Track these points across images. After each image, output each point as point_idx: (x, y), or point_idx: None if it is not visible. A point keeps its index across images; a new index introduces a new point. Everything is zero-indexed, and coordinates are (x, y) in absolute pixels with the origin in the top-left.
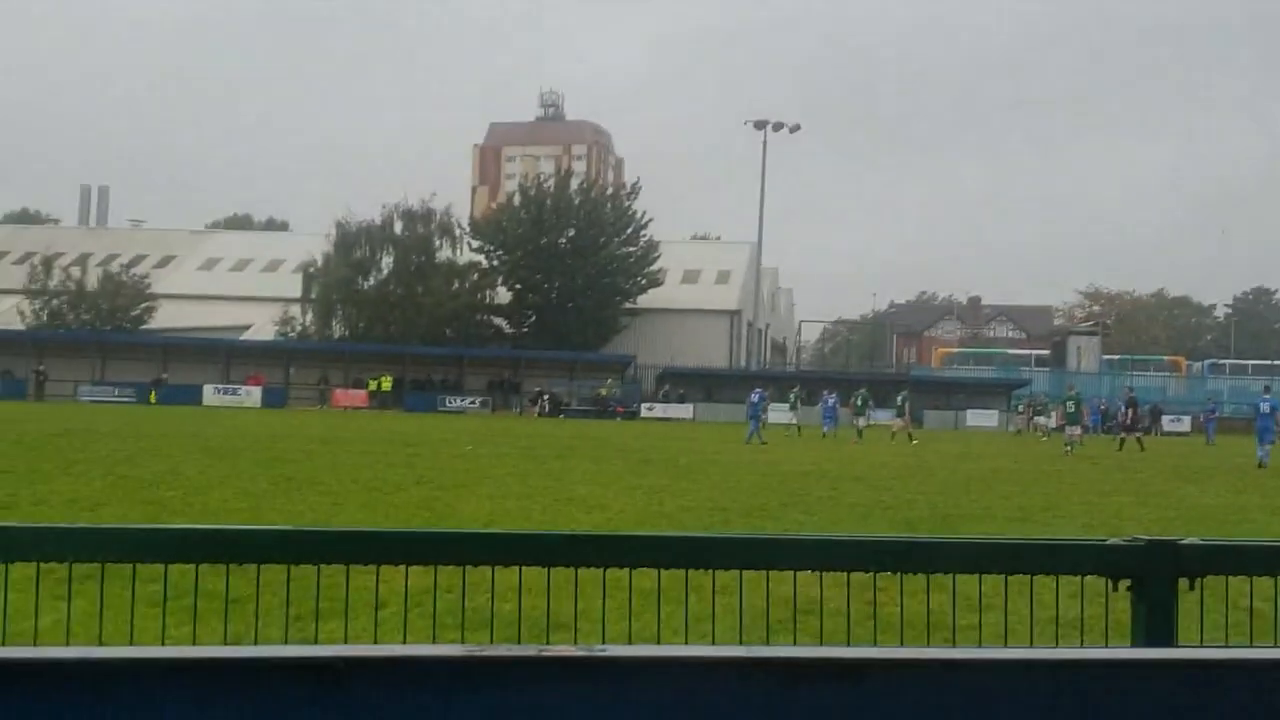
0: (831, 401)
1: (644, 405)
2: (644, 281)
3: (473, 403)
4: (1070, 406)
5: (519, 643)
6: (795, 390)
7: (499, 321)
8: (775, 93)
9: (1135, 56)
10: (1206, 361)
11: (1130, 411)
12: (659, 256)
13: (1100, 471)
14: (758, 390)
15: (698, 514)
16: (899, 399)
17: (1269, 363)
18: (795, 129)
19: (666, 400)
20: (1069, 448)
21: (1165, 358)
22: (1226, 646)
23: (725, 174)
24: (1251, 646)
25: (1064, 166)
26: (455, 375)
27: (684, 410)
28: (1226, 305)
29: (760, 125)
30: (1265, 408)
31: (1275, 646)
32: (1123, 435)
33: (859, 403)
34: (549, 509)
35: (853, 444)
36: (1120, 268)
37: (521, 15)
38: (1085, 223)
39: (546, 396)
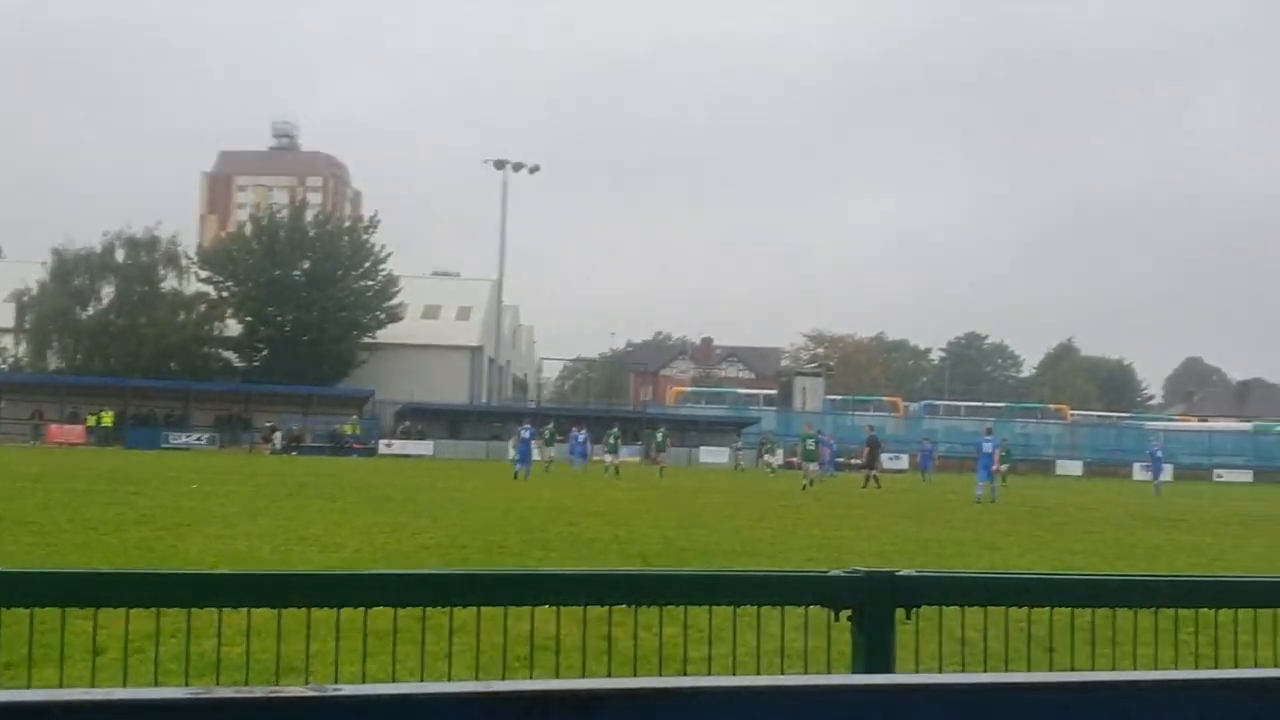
0: (582, 438)
1: (383, 442)
2: (383, 316)
3: (200, 439)
4: (810, 445)
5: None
6: (549, 427)
7: (228, 354)
8: (520, 134)
9: (859, 115)
10: (923, 402)
11: (869, 450)
12: (399, 291)
13: (824, 507)
14: (527, 426)
15: (436, 551)
16: (658, 436)
17: (980, 404)
18: (535, 169)
19: (406, 437)
20: (807, 484)
21: (884, 398)
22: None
23: (469, 212)
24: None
25: (793, 216)
26: (181, 410)
27: (424, 447)
28: (941, 349)
29: (500, 165)
30: (987, 447)
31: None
32: (865, 473)
33: (611, 440)
34: (280, 549)
35: (608, 478)
36: (843, 313)
37: (255, 43)
38: (811, 269)
39: (279, 433)
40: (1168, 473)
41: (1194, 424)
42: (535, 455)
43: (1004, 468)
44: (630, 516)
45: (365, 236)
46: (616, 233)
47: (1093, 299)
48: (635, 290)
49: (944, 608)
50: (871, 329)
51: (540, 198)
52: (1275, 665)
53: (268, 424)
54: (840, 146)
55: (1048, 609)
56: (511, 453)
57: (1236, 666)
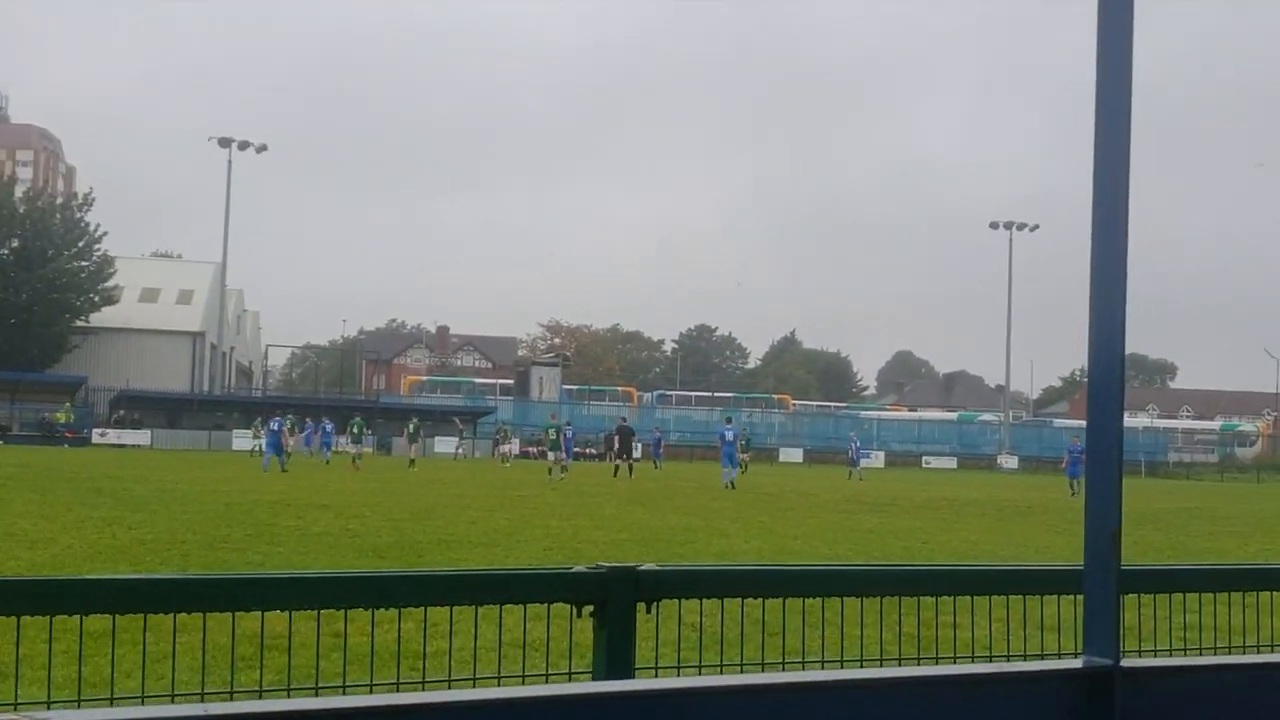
0: (330, 428)
1: (96, 431)
2: (97, 298)
3: None
4: (552, 434)
5: None
6: (291, 417)
7: None
8: (251, 115)
9: (608, 108)
10: (656, 392)
11: (619, 439)
12: (115, 273)
13: (561, 497)
14: (277, 418)
15: (154, 547)
16: (410, 426)
17: (710, 394)
18: (262, 149)
19: (122, 425)
20: (553, 473)
21: (619, 388)
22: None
23: (194, 194)
24: (700, 671)
25: (535, 208)
26: None
27: (142, 436)
28: (673, 340)
29: (225, 143)
30: (729, 435)
31: (719, 671)
32: (616, 462)
33: (355, 430)
34: None
35: (354, 468)
36: (581, 305)
37: None
38: (551, 261)
39: None
40: (879, 459)
41: (905, 413)
42: (301, 446)
43: (746, 455)
44: (362, 509)
45: (79, 214)
46: (351, 219)
47: (815, 294)
48: (368, 278)
49: (684, 600)
50: (608, 321)
51: (271, 181)
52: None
53: None
54: (589, 139)
55: (780, 599)
56: (253, 444)
57: (952, 651)
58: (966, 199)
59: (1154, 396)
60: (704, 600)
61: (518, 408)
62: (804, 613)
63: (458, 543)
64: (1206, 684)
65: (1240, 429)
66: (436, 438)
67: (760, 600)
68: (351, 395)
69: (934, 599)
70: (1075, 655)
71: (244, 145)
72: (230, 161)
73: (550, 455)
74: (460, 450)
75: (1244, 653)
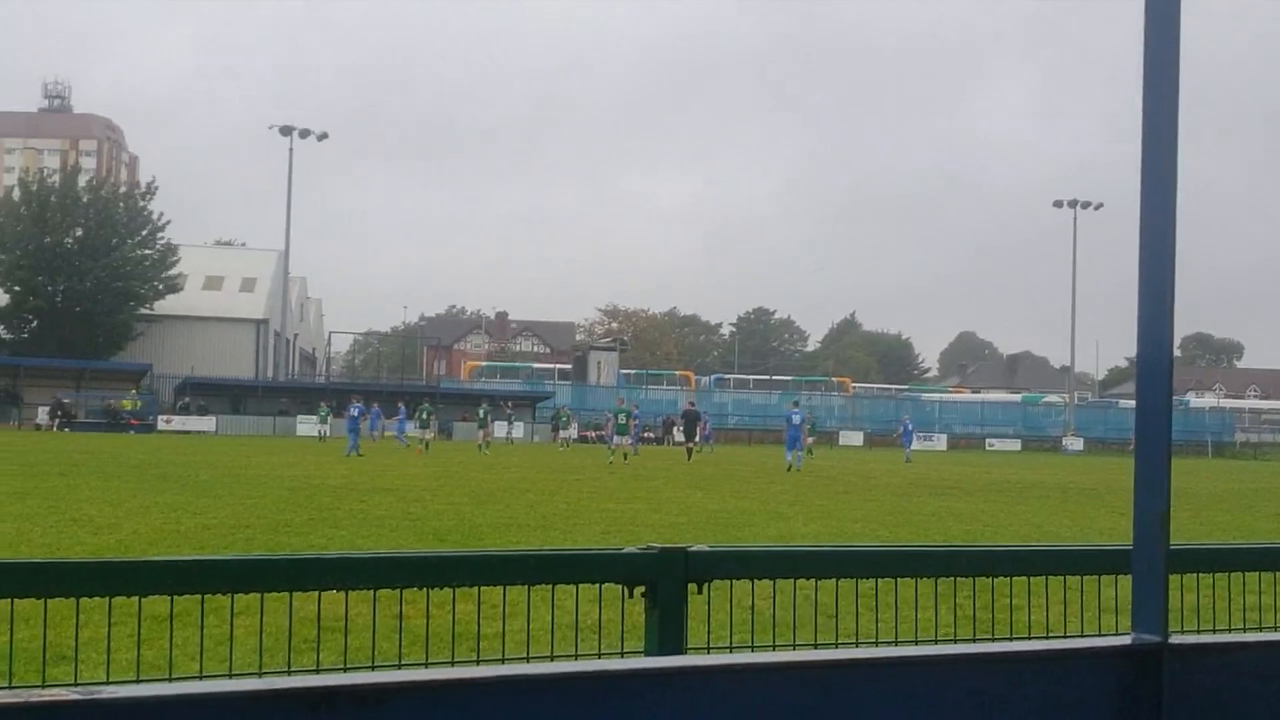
0: (404, 414)
1: (161, 418)
2: (161, 286)
3: None
4: (622, 419)
5: (11, 680)
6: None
7: None
8: (311, 102)
9: (665, 93)
10: (713, 376)
11: (683, 422)
12: (178, 261)
13: (618, 480)
14: (356, 405)
15: (219, 532)
16: (481, 412)
17: (767, 377)
18: (323, 136)
19: (186, 412)
20: (615, 457)
21: (677, 372)
22: (730, 652)
23: (255, 180)
24: (752, 650)
25: (593, 193)
26: None
27: (206, 423)
28: (731, 324)
29: (286, 131)
30: (796, 419)
31: (772, 648)
32: (690, 445)
33: (424, 416)
34: (51, 531)
35: (419, 453)
36: (637, 288)
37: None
38: (608, 245)
39: (50, 408)
40: (941, 442)
41: (967, 395)
42: (366, 432)
43: (811, 439)
44: (422, 493)
45: (142, 203)
46: (411, 207)
47: (875, 277)
48: (429, 264)
49: (734, 581)
50: (664, 304)
51: (332, 168)
52: (1039, 630)
53: (63, 398)
54: (645, 122)
55: (833, 580)
56: (319, 430)
57: (1009, 633)
58: (1029, 177)
59: (1220, 376)
60: (755, 581)
61: (576, 392)
62: (857, 594)
63: (516, 526)
64: (1255, 661)
65: None
66: (496, 422)
67: (812, 581)
68: (413, 381)
69: (990, 580)
70: (1125, 634)
71: (305, 133)
72: (291, 150)
73: (615, 440)
74: (511, 434)
75: None
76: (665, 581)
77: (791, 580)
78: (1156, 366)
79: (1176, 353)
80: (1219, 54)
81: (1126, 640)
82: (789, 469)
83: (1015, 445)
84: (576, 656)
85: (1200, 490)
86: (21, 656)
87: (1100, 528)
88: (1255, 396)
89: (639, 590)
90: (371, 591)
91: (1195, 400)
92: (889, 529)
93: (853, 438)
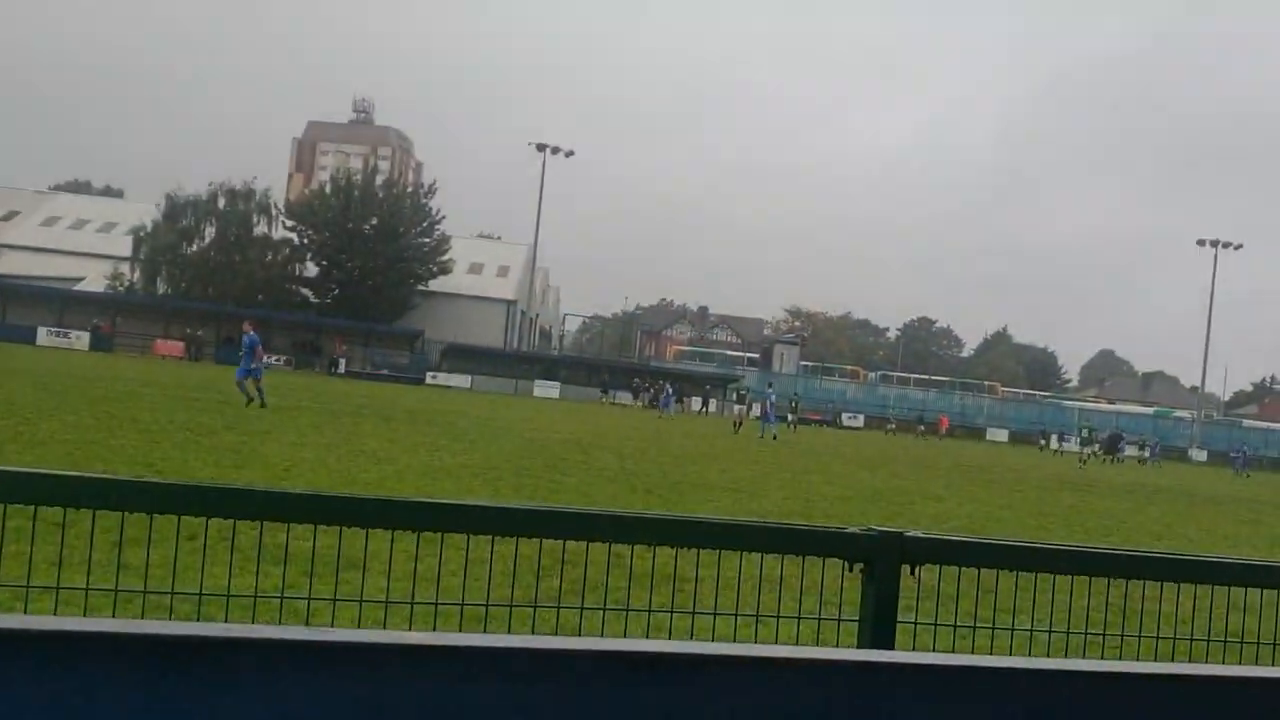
0: (672, 389)
1: (429, 374)
2: (435, 269)
3: (278, 360)
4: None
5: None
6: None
7: (306, 291)
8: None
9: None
10: (879, 372)
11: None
12: (449, 249)
13: (795, 455)
14: (770, 390)
15: (475, 470)
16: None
17: (927, 377)
18: (570, 154)
19: (450, 371)
20: (764, 434)
21: (848, 367)
22: (937, 632)
23: (512, 183)
24: (955, 631)
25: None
26: (264, 335)
27: (463, 380)
28: (897, 329)
29: (541, 148)
30: (772, 398)
31: (972, 630)
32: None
33: (670, 391)
34: (344, 459)
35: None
36: (816, 290)
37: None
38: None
39: (343, 359)
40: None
41: (1104, 405)
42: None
43: (793, 417)
44: (634, 452)
45: (424, 201)
46: (634, 209)
47: (1026, 292)
48: (646, 261)
49: (943, 566)
50: (841, 308)
51: (575, 180)
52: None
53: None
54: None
55: (1032, 574)
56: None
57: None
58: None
59: None
60: (963, 569)
61: (762, 378)
62: (1072, 591)
63: (710, 486)
64: None
65: None
66: (694, 398)
67: (1014, 573)
68: (628, 359)
69: (1209, 587)
70: None
71: (555, 150)
72: (544, 163)
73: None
74: (694, 408)
75: None
76: (882, 562)
77: (994, 570)
78: None
79: None
80: None
81: None
82: (762, 437)
83: (1147, 454)
84: (799, 619)
85: None
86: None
87: (1224, 533)
88: None
89: (858, 567)
90: (611, 546)
91: None
92: (1034, 518)
93: (999, 435)
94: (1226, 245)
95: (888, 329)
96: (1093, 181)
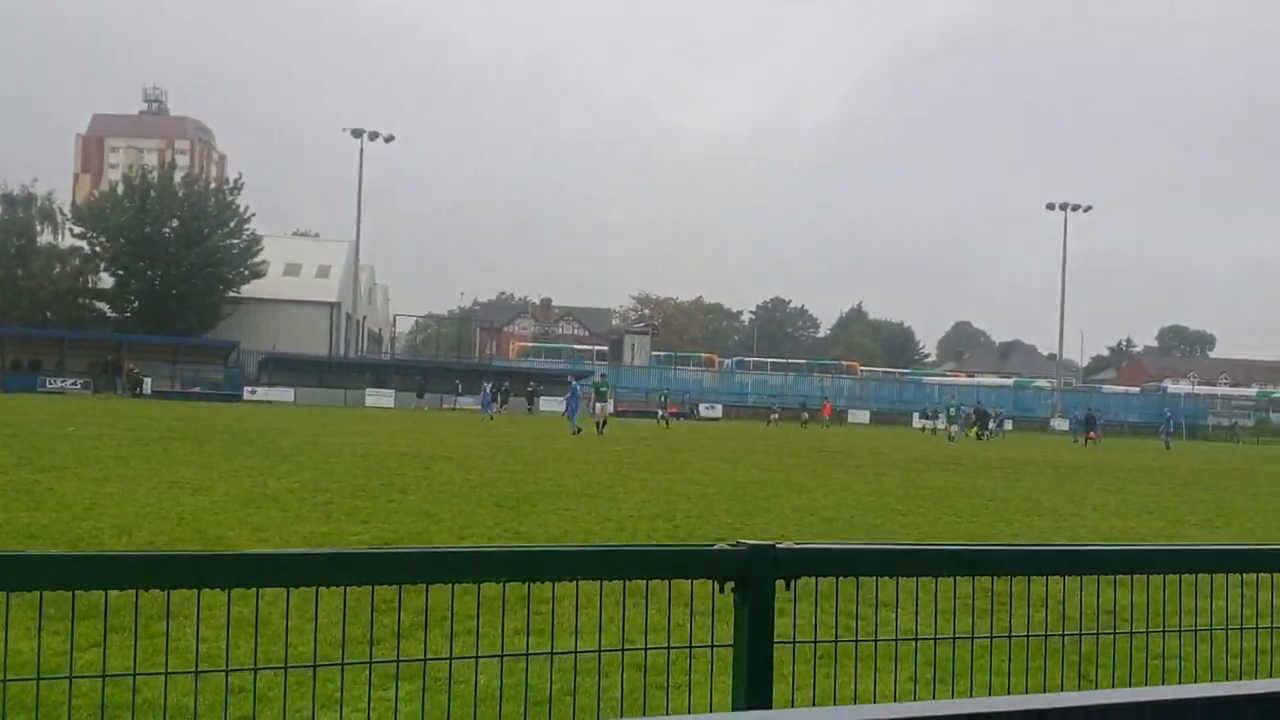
0: (489, 389)
1: (246, 389)
2: (247, 272)
3: (74, 384)
4: (603, 388)
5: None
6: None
7: (102, 305)
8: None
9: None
10: (734, 359)
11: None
12: (261, 249)
13: (655, 452)
14: (575, 383)
15: (301, 495)
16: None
17: (784, 360)
18: (390, 139)
19: (269, 385)
20: (581, 426)
21: (702, 355)
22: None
23: (329, 176)
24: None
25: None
26: (57, 357)
27: (286, 394)
28: (751, 312)
29: (358, 133)
30: (578, 390)
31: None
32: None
33: (498, 394)
34: (154, 492)
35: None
36: (665, 277)
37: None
38: (641, 235)
39: (149, 379)
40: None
41: (963, 379)
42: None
43: (601, 406)
44: (479, 461)
45: (231, 198)
46: (467, 201)
47: (880, 271)
48: (482, 253)
49: (819, 578)
50: (691, 292)
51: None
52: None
53: (135, 370)
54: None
55: (931, 579)
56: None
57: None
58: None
59: (1194, 365)
60: (841, 579)
61: (612, 372)
62: (955, 592)
63: (564, 493)
64: None
65: (1275, 395)
66: (542, 398)
67: (896, 579)
68: (467, 359)
69: (1112, 579)
70: None
71: (374, 135)
72: (362, 150)
73: (597, 407)
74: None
75: None
76: (755, 579)
77: (874, 579)
78: None
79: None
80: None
81: None
82: (575, 433)
83: (1008, 425)
84: (669, 649)
85: (1182, 469)
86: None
87: (1094, 503)
88: (1226, 384)
89: (729, 586)
90: (451, 586)
91: (1172, 387)
92: (901, 502)
93: (860, 416)
94: (1076, 208)
95: (741, 312)
96: (942, 152)
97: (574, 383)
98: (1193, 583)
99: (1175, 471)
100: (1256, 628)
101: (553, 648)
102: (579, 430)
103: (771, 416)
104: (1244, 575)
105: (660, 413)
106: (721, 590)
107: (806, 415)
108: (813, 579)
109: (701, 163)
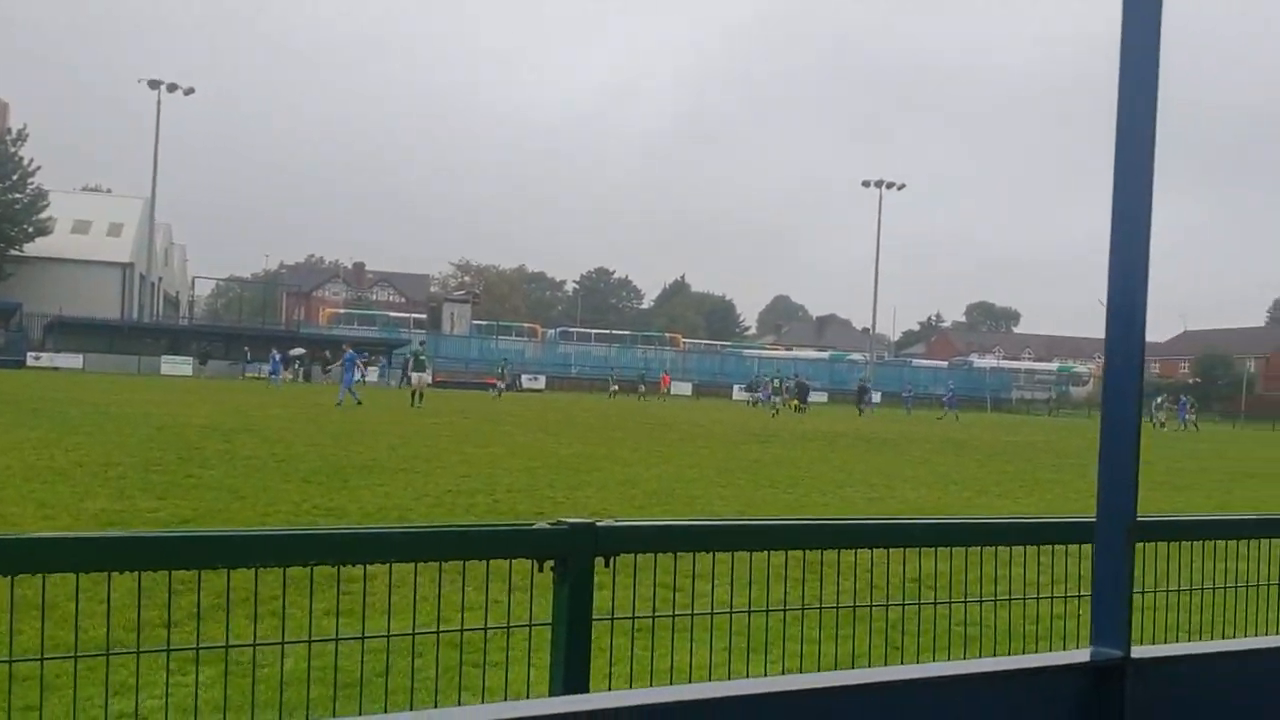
0: (279, 357)
1: (30, 354)
2: (31, 230)
3: None
4: (421, 357)
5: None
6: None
7: None
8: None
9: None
10: (558, 329)
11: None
12: (47, 205)
13: (473, 424)
14: (350, 351)
15: (91, 469)
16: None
17: (608, 331)
18: (190, 91)
19: (56, 350)
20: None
21: (525, 325)
22: (635, 625)
23: (121, 128)
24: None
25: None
26: None
27: (74, 360)
28: (575, 281)
29: (155, 85)
30: (352, 357)
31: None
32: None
33: (278, 357)
34: None
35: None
36: (487, 244)
37: None
38: (458, 199)
39: None
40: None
41: (782, 352)
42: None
43: (501, 384)
44: (285, 433)
45: (13, 150)
46: (279, 158)
47: (702, 245)
48: (292, 218)
49: (638, 555)
50: (515, 261)
51: (198, 118)
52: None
53: None
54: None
55: (746, 552)
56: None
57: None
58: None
59: (1000, 340)
60: (659, 555)
61: (431, 341)
62: (767, 566)
63: (378, 468)
64: (1221, 672)
65: (1074, 370)
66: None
67: (712, 554)
68: (273, 326)
69: (917, 550)
70: (1083, 648)
71: (172, 87)
72: (159, 102)
73: (416, 377)
74: (385, 379)
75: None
76: (575, 556)
77: (691, 555)
78: (1125, 379)
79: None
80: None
81: (1085, 655)
82: (339, 405)
83: (823, 397)
84: (486, 630)
85: (986, 442)
86: None
87: (904, 475)
88: (1029, 359)
89: (548, 565)
90: (282, 570)
91: (978, 361)
92: (723, 475)
93: (683, 388)
94: (890, 186)
95: (565, 282)
96: (768, 131)
97: (349, 351)
98: (993, 554)
99: (980, 444)
100: (1052, 596)
101: (364, 630)
102: (341, 403)
103: (612, 389)
104: (1040, 546)
105: (499, 384)
106: (541, 569)
107: (644, 388)
108: (633, 556)
109: (530, 136)
